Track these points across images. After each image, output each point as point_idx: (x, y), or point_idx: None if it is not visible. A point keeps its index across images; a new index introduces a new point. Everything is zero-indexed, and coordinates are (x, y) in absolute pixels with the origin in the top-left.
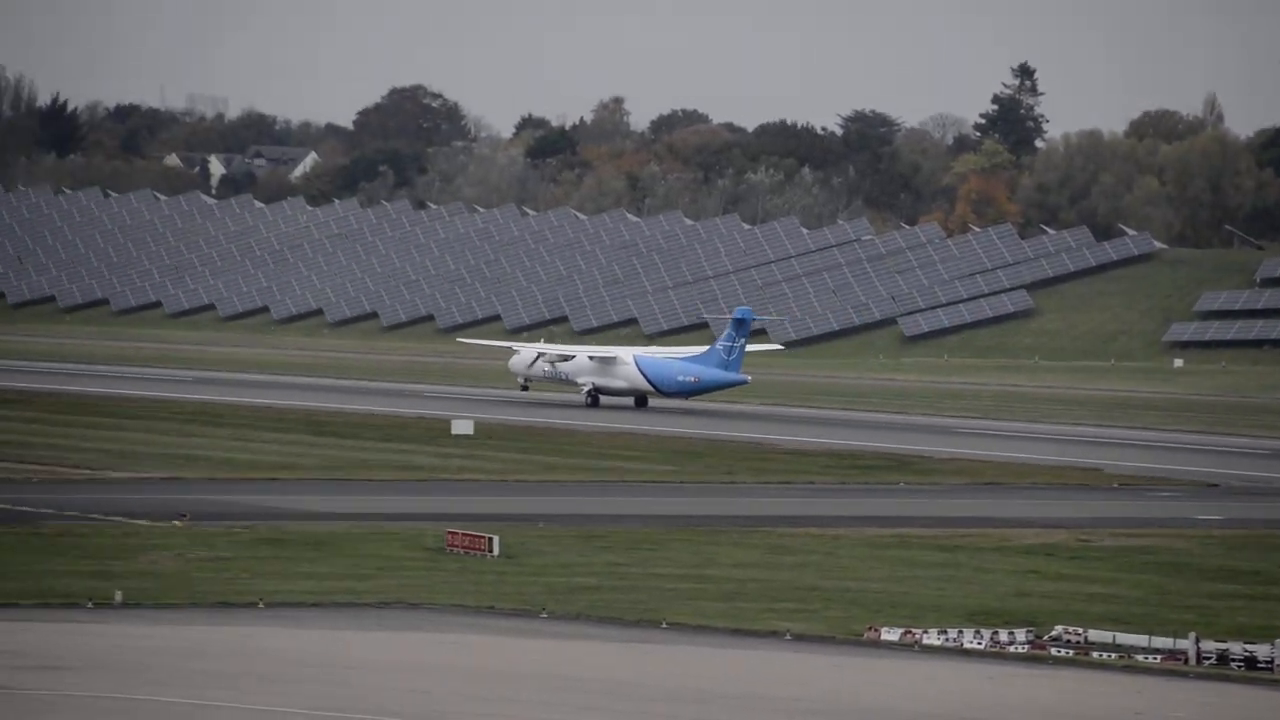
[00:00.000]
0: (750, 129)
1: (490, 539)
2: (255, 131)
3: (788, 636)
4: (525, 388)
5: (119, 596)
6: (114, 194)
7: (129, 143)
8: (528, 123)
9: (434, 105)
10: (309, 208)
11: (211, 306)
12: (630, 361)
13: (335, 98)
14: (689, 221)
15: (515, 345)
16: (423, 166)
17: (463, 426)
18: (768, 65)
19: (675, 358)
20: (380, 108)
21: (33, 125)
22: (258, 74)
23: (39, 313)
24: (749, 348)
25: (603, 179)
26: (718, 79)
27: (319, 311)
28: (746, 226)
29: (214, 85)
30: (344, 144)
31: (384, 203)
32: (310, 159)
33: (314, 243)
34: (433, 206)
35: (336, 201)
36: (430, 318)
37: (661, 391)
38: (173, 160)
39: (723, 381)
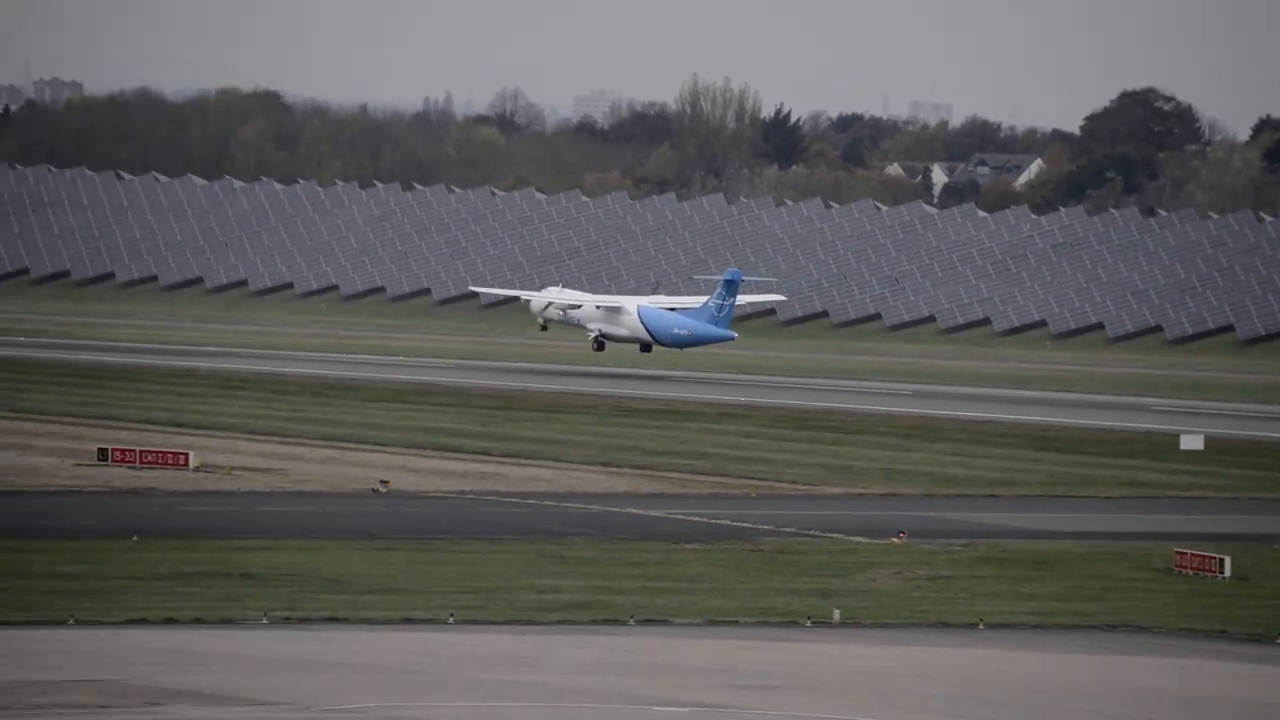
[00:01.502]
0: None
1: (1221, 559)
2: (979, 139)
3: None
4: (544, 328)
5: (837, 615)
6: (835, 205)
7: (850, 153)
8: (1266, 124)
9: (1166, 109)
10: (1032, 216)
11: (931, 318)
12: (633, 311)
13: (1063, 103)
14: None
15: (527, 293)
16: (1153, 172)
17: (1192, 441)
18: None
19: (673, 310)
20: (1109, 112)
21: (756, 137)
22: (984, 80)
23: (759, 326)
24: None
25: None
26: None
27: (1041, 323)
28: None
29: (938, 93)
30: (1071, 150)
31: (1111, 210)
32: (1035, 166)
33: (1037, 252)
34: (1162, 213)
35: (1061, 209)
36: (1158, 328)
37: (658, 341)
38: (894, 170)
39: (713, 336)
